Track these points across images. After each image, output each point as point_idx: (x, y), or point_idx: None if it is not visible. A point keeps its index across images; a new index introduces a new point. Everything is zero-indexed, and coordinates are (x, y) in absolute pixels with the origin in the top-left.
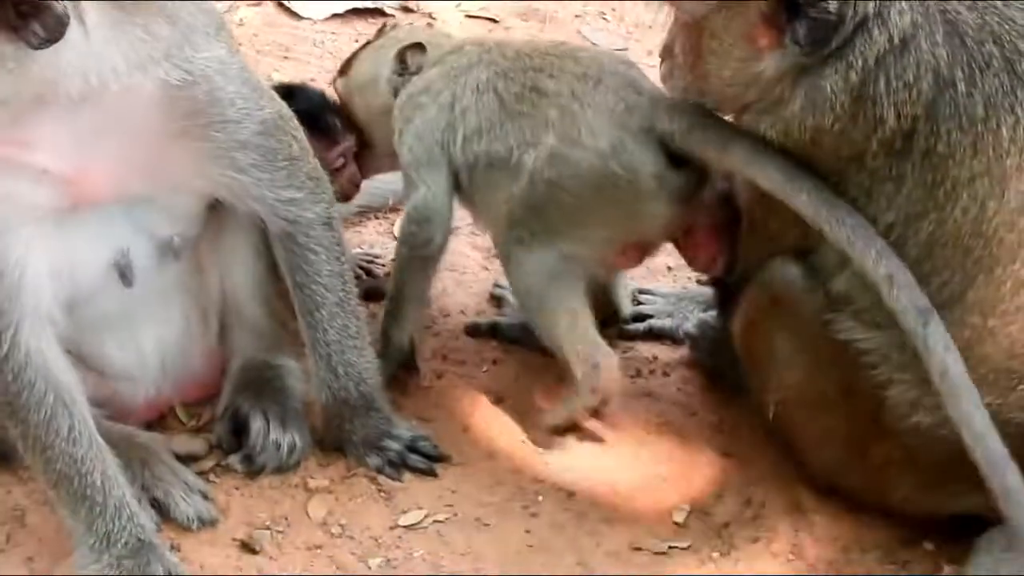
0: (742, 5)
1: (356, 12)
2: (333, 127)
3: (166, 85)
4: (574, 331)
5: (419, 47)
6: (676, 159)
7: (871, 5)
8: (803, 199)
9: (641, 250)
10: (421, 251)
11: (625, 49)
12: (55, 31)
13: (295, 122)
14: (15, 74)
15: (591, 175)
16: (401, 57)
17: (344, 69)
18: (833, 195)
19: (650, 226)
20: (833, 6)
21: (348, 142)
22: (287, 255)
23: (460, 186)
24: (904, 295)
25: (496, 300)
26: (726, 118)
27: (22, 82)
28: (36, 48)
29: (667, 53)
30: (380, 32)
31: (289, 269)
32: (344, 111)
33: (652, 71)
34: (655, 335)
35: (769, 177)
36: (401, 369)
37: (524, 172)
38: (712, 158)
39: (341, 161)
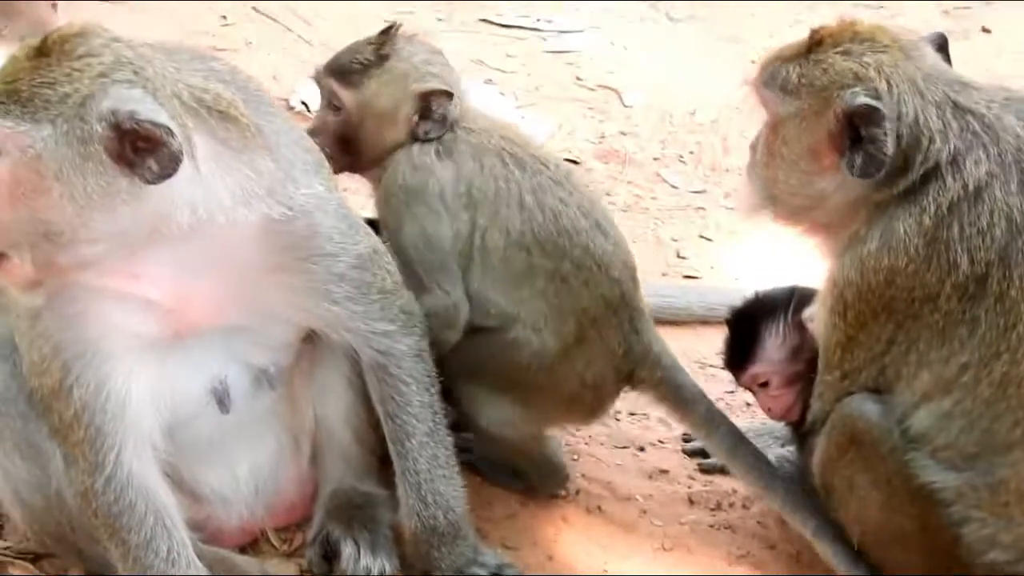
0: (816, 119)
1: None
2: None
3: (268, 219)
4: None
5: (446, 95)
6: None
7: (944, 152)
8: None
9: None
10: (445, 346)
11: (703, 191)
12: (169, 167)
13: (388, 256)
14: (130, 207)
15: None
16: (425, 101)
17: (351, 79)
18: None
19: None
20: (889, 148)
21: None
22: (379, 386)
23: None
24: None
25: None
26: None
27: (135, 216)
28: (150, 183)
29: (752, 148)
30: (386, 36)
31: (381, 399)
32: (338, 114)
33: (728, 213)
34: None
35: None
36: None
37: None
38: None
39: None
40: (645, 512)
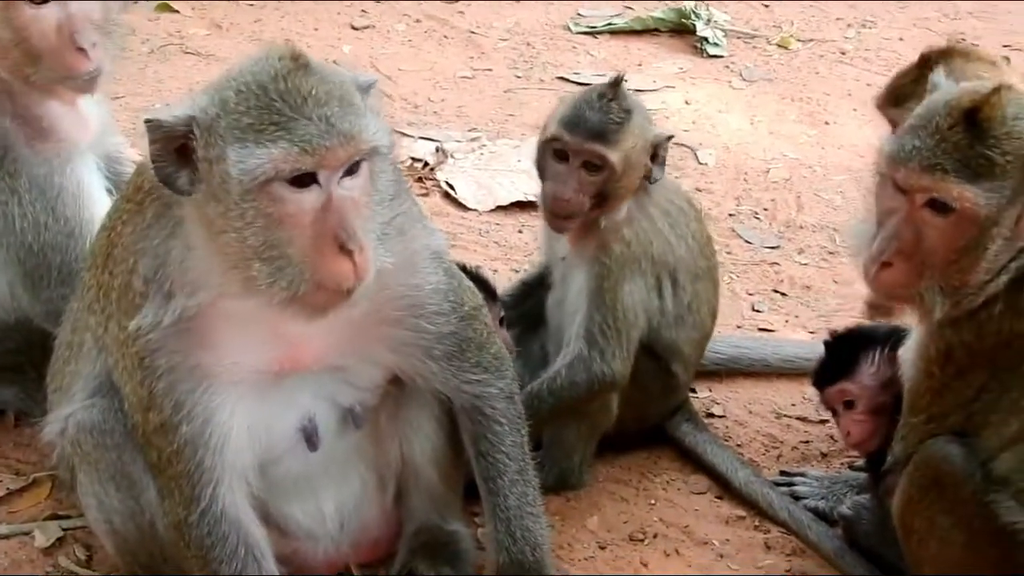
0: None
1: (518, 204)
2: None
3: (387, 272)
4: None
5: (668, 139)
6: None
7: None
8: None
9: None
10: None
11: (777, 247)
12: None
13: (486, 309)
14: None
15: None
16: (655, 152)
17: (613, 138)
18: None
19: None
20: None
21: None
22: (472, 426)
23: None
24: None
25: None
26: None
27: None
28: None
29: (902, 257)
30: (617, 89)
31: (473, 439)
32: (599, 173)
33: (802, 268)
34: None
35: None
36: None
37: None
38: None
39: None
40: (722, 557)
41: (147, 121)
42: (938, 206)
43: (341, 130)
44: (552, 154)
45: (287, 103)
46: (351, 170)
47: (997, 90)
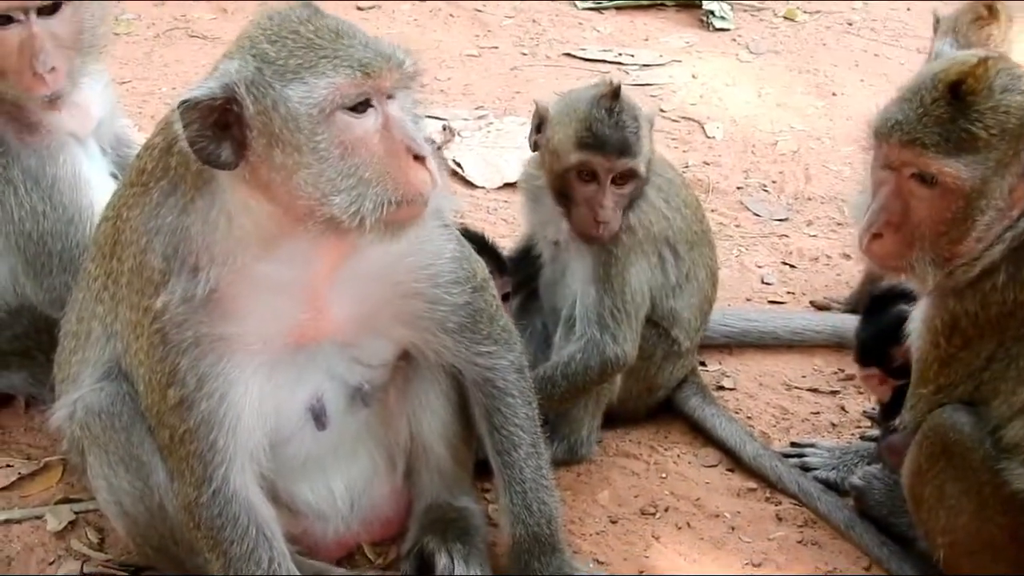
0: (1013, 160)
1: None
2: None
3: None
4: None
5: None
6: None
7: None
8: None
9: None
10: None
11: (786, 219)
12: None
13: (492, 280)
14: None
15: None
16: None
17: (635, 149)
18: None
19: None
20: None
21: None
22: (484, 399)
23: None
24: None
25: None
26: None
27: None
28: None
29: (891, 228)
30: (617, 95)
31: (485, 413)
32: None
33: (811, 240)
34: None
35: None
36: None
37: None
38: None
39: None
40: (734, 529)
41: (181, 103)
42: (923, 179)
43: (385, 51)
44: (577, 177)
45: (324, 39)
46: (391, 94)
47: (984, 62)
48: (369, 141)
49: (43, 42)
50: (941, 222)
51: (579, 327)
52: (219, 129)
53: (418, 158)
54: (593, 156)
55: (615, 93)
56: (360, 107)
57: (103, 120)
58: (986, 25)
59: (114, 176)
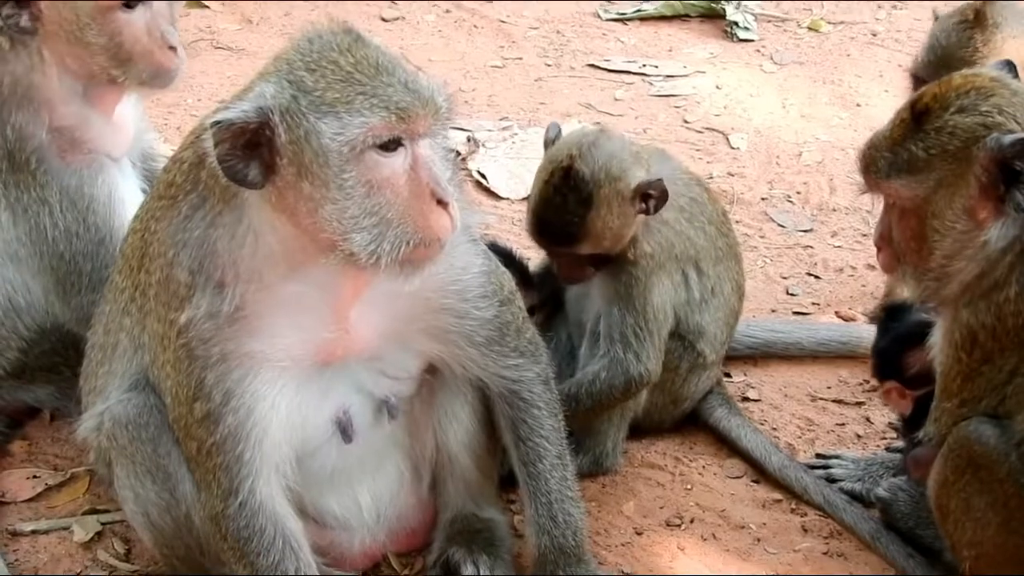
0: (960, 180)
1: None
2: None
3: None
4: None
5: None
6: None
7: None
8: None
9: None
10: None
11: (811, 230)
12: None
13: (519, 293)
14: None
15: None
16: (647, 194)
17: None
18: None
19: None
20: None
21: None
22: (511, 411)
23: None
24: None
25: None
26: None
27: None
28: None
29: (884, 241)
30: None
31: (511, 425)
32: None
33: (836, 251)
34: None
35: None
36: None
37: None
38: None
39: None
40: (759, 540)
41: (214, 123)
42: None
43: (423, 95)
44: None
45: (364, 73)
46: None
47: (945, 82)
48: (396, 182)
49: (165, 19)
50: (906, 238)
51: (602, 346)
52: (249, 149)
53: (441, 203)
54: (535, 237)
55: (566, 171)
56: (391, 145)
57: (134, 137)
58: (968, 29)
59: (144, 191)
